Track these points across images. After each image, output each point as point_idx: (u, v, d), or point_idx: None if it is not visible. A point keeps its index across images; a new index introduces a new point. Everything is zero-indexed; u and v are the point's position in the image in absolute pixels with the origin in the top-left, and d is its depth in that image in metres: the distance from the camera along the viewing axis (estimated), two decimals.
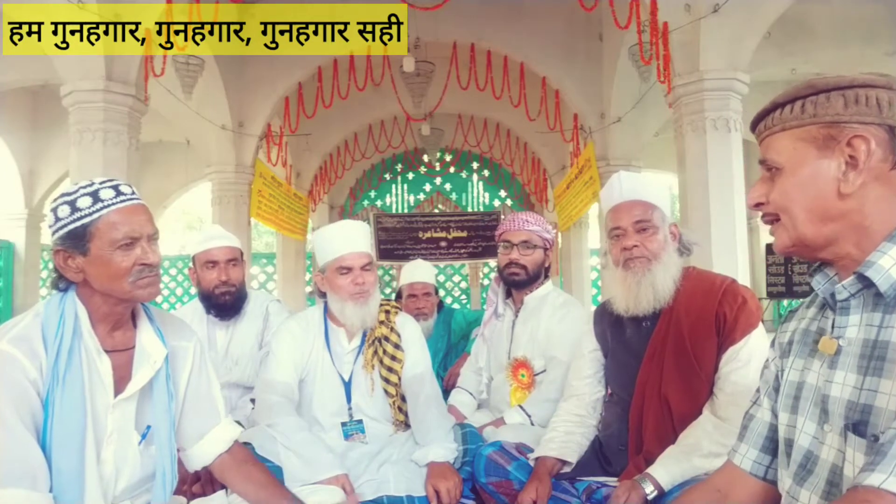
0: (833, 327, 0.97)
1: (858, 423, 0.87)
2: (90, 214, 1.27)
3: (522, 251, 2.33)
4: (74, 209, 1.28)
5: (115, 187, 1.32)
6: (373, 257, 2.15)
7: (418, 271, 3.45)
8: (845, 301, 0.95)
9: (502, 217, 10.06)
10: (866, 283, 0.92)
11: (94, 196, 1.29)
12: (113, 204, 1.29)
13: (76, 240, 1.28)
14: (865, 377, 0.89)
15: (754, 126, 1.04)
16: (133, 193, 1.34)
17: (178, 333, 1.52)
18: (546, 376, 2.29)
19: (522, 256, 2.33)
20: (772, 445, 1.10)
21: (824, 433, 0.94)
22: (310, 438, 1.88)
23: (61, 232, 1.29)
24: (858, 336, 0.92)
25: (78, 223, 1.28)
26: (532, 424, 2.20)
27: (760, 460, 1.11)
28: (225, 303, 2.57)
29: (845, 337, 0.94)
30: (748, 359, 1.57)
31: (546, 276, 2.43)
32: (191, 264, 2.67)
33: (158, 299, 11.04)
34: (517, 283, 2.37)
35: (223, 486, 1.65)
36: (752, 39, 5.08)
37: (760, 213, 1.03)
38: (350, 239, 2.10)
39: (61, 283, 1.33)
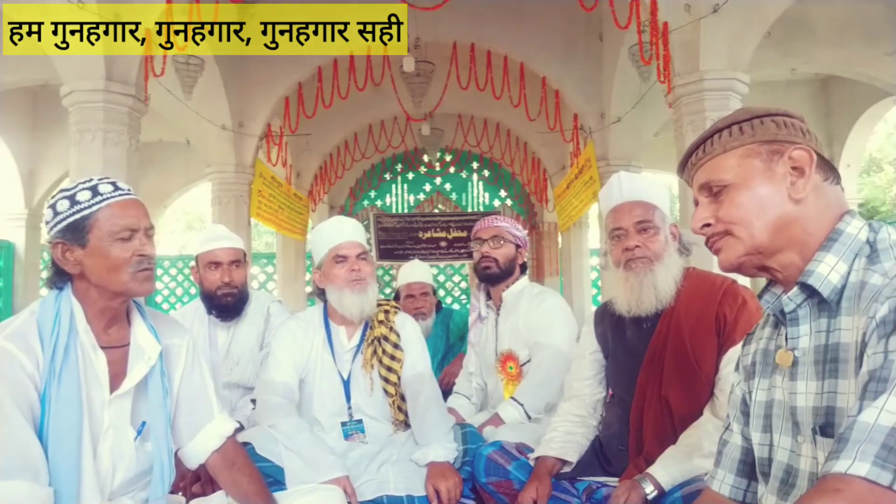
0: (787, 339, 1.00)
1: (825, 426, 0.91)
2: (89, 207, 1.31)
3: (493, 245, 2.45)
4: (74, 202, 1.31)
5: (113, 183, 1.37)
6: (367, 249, 2.17)
7: (415, 271, 3.46)
8: (793, 312, 0.99)
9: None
10: (809, 293, 0.96)
11: (94, 190, 1.33)
12: (112, 197, 1.34)
13: (75, 232, 1.31)
14: (824, 381, 0.92)
15: (687, 159, 1.09)
16: (129, 190, 1.39)
17: (171, 332, 1.53)
18: (531, 363, 2.33)
19: (493, 250, 2.44)
20: (745, 468, 1.13)
21: (799, 444, 0.97)
22: (312, 440, 1.88)
23: (60, 225, 1.31)
24: (811, 344, 0.96)
25: (78, 215, 1.31)
26: (529, 417, 2.22)
27: (738, 485, 1.13)
28: (227, 304, 2.57)
29: (799, 348, 0.98)
30: None
31: (521, 273, 2.51)
32: (193, 263, 2.67)
33: (158, 299, 11.05)
34: (490, 276, 2.47)
35: None
36: (752, 39, 5.08)
37: (704, 239, 1.06)
38: (344, 230, 2.13)
39: (57, 279, 1.35)
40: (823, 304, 0.95)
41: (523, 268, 2.53)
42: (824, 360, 0.93)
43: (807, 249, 0.97)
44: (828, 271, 0.94)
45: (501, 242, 2.45)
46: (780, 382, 1.02)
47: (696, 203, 1.08)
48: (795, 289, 0.97)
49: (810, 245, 0.97)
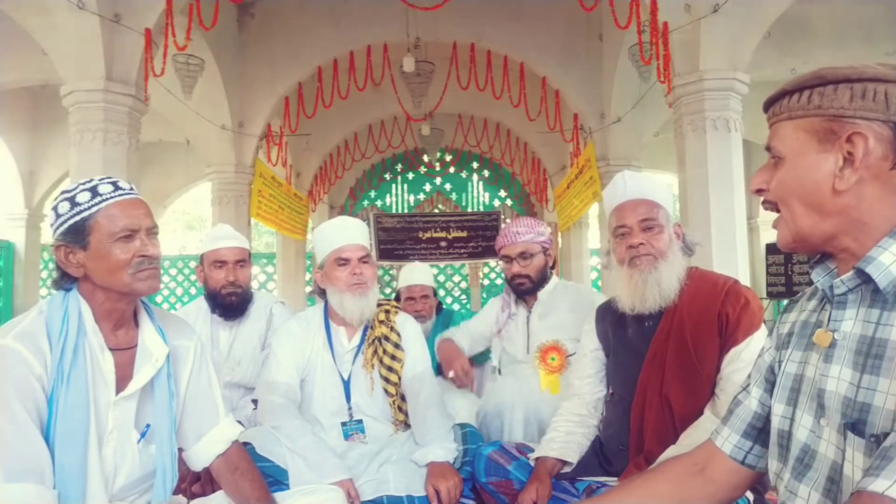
0: (829, 320, 0.96)
1: (857, 422, 0.86)
2: (89, 208, 1.30)
3: (522, 263, 2.44)
4: (74, 204, 1.30)
5: (114, 183, 1.35)
6: (370, 252, 2.16)
7: (416, 274, 3.45)
8: (842, 295, 0.94)
9: (502, 217, 10.09)
10: (865, 279, 0.90)
11: (93, 191, 1.32)
12: (111, 197, 1.32)
13: (76, 234, 1.30)
14: (863, 375, 0.87)
15: (766, 109, 1.03)
16: (131, 189, 1.37)
17: (179, 332, 1.52)
18: None
19: (524, 268, 2.44)
20: (754, 433, 1.12)
21: (821, 427, 0.93)
22: (315, 442, 1.87)
23: (62, 227, 1.31)
24: (854, 331, 0.91)
25: (77, 217, 1.30)
26: None
27: (741, 445, 1.12)
28: (231, 303, 2.57)
29: (840, 330, 0.93)
30: (750, 360, 1.56)
31: (552, 270, 2.54)
32: (194, 262, 2.68)
33: (158, 299, 11.05)
34: (526, 292, 2.48)
35: None
36: (752, 39, 5.08)
37: (762, 202, 1.02)
38: (347, 232, 2.12)
39: (64, 281, 1.34)
40: (878, 293, 0.89)
41: (554, 264, 2.55)
42: (867, 353, 0.88)
43: (865, 237, 0.91)
44: (891, 261, 0.88)
45: (530, 257, 2.44)
46: (814, 360, 0.98)
47: None
48: (851, 273, 0.91)
49: (871, 232, 0.90)
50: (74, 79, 5.06)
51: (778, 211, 0.99)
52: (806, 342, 1.02)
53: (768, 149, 0.99)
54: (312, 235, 2.31)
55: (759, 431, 1.11)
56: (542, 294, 2.49)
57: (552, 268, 2.52)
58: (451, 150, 11.05)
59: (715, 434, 1.17)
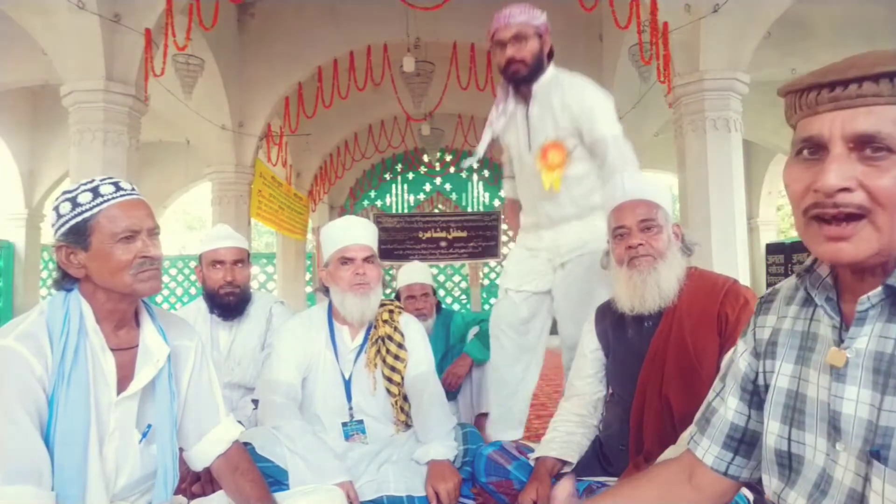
0: (843, 338, 0.87)
1: (881, 448, 0.79)
2: (91, 209, 1.29)
3: (517, 46, 2.29)
4: (76, 205, 1.30)
5: (115, 184, 1.34)
6: (376, 253, 2.16)
7: (416, 273, 3.46)
8: (863, 311, 0.85)
9: (502, 218, 10.12)
10: (889, 294, 0.83)
11: (95, 192, 1.31)
12: (113, 198, 1.31)
13: (78, 235, 1.29)
14: (884, 396, 0.80)
15: (817, 85, 0.85)
16: (133, 189, 1.37)
17: (180, 332, 1.52)
18: (604, 161, 2.29)
19: (518, 51, 2.29)
20: (734, 444, 1.08)
21: (836, 452, 0.86)
22: (315, 443, 1.87)
23: (63, 228, 1.30)
24: (869, 348, 0.83)
25: (79, 218, 1.29)
26: None
27: (722, 457, 1.09)
28: (229, 303, 2.57)
29: (853, 348, 0.85)
30: None
31: (549, 61, 2.42)
32: (195, 262, 2.68)
33: (158, 299, 11.06)
34: (522, 78, 2.35)
35: None
36: (752, 39, 5.09)
37: (810, 205, 0.82)
38: (353, 232, 2.11)
39: (65, 281, 1.34)
40: None
41: (550, 54, 2.41)
42: (887, 373, 0.80)
43: None
44: None
45: (525, 40, 2.29)
46: (814, 378, 0.91)
47: (804, 149, 0.83)
48: (879, 289, 0.82)
49: None
50: (74, 79, 5.07)
51: (858, 218, 0.79)
52: (796, 355, 0.96)
53: (857, 139, 0.78)
54: (319, 234, 2.31)
55: (739, 442, 1.07)
56: (539, 87, 2.37)
57: (549, 58, 2.39)
58: (451, 150, 11.06)
59: (694, 444, 1.12)
